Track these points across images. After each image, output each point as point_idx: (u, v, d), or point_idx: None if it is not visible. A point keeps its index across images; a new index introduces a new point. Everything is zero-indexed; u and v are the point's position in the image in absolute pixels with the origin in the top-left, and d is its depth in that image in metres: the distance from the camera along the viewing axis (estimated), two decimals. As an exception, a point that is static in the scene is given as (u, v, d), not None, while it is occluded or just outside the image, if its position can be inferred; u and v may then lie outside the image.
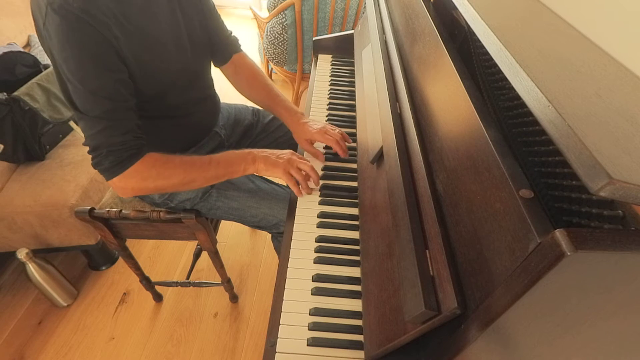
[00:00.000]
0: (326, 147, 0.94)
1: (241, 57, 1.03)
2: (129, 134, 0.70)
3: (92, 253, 1.40)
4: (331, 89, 1.15)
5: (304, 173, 0.81)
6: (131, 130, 0.70)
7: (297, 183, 0.81)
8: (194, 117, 0.92)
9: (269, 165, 0.81)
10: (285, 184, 0.85)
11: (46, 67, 1.29)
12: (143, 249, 1.54)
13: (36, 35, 1.66)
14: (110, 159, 0.69)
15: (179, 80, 0.82)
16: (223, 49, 0.98)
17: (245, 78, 1.02)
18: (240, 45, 1.03)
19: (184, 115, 0.88)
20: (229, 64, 1.01)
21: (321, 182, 0.85)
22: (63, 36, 0.61)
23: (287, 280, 0.66)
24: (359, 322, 0.61)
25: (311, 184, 0.83)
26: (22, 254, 1.14)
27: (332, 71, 1.23)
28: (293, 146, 1.02)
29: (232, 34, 1.01)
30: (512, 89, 0.53)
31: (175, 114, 0.87)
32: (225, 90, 1.13)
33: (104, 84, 0.66)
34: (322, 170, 0.88)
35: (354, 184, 0.85)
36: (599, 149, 0.26)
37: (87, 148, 0.70)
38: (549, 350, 0.38)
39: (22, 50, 1.37)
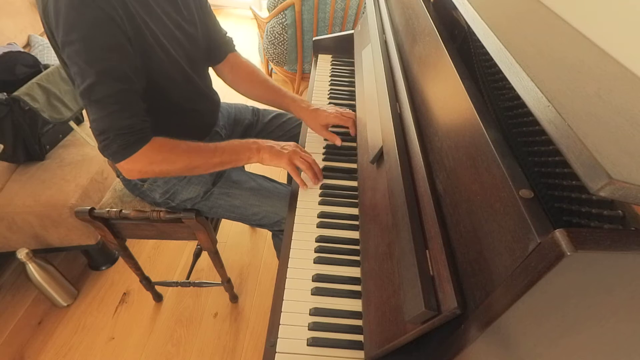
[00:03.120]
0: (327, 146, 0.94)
1: (236, 56, 1.04)
2: (136, 117, 0.70)
3: (92, 253, 1.40)
4: (331, 89, 1.15)
5: (307, 164, 0.82)
6: (138, 114, 0.71)
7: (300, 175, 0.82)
8: (195, 116, 0.92)
9: (273, 155, 0.82)
10: (286, 183, 0.86)
11: (46, 67, 1.29)
12: (143, 249, 1.54)
13: (36, 35, 1.66)
14: (118, 143, 0.69)
15: (179, 73, 0.83)
16: (219, 48, 0.99)
17: (244, 75, 1.03)
18: (234, 45, 1.04)
19: (184, 112, 0.89)
20: (224, 63, 1.02)
21: (321, 181, 0.85)
22: (71, 18, 0.61)
23: (287, 280, 0.66)
24: (359, 322, 0.61)
25: (310, 184, 0.83)
26: (22, 254, 1.14)
27: (332, 71, 1.23)
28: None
29: (227, 34, 1.02)
30: (512, 89, 0.53)
31: (176, 111, 0.87)
32: (226, 90, 1.13)
33: (111, 65, 0.66)
34: (322, 170, 0.88)
35: (354, 184, 0.85)
36: (599, 149, 0.26)
37: (90, 147, 0.70)
38: (549, 350, 0.38)
39: (22, 50, 1.37)
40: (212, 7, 0.96)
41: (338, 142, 0.92)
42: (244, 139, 0.85)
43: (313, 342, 0.58)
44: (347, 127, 0.95)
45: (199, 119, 0.95)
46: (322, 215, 0.77)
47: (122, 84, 0.67)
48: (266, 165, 0.85)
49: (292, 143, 0.85)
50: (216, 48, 0.98)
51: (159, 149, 0.74)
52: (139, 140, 0.71)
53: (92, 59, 0.64)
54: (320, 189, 0.83)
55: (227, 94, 1.07)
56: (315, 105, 0.97)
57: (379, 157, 0.69)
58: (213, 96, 1.00)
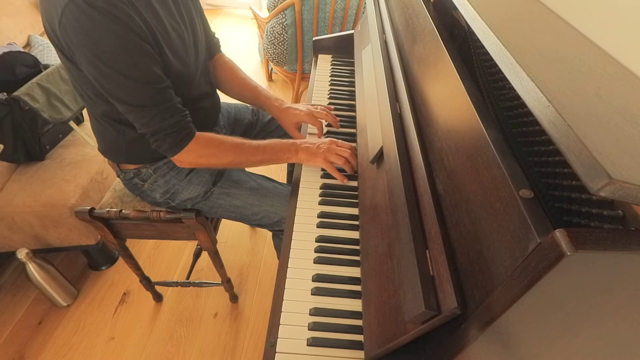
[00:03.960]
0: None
1: (221, 56, 1.06)
2: (178, 114, 0.75)
3: (92, 253, 1.40)
4: (331, 89, 1.15)
5: (344, 159, 0.84)
6: (178, 110, 0.76)
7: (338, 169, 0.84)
8: (197, 115, 0.92)
9: (310, 154, 0.85)
10: (286, 182, 0.86)
11: (46, 67, 1.29)
12: (143, 249, 1.54)
13: (36, 35, 1.66)
14: (169, 141, 0.76)
15: (186, 74, 0.84)
16: (208, 48, 1.00)
17: (224, 74, 1.05)
18: (220, 47, 1.06)
19: (191, 110, 0.89)
20: (211, 63, 1.03)
21: (321, 181, 0.85)
22: (94, 31, 0.62)
23: (287, 280, 0.66)
24: (359, 322, 0.61)
25: (346, 169, 0.84)
26: (22, 254, 1.14)
27: (332, 71, 1.23)
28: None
29: (215, 35, 1.04)
30: (512, 89, 0.53)
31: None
32: (226, 89, 1.13)
33: (141, 70, 0.68)
34: (322, 170, 0.88)
35: (354, 184, 0.85)
36: (599, 149, 0.26)
37: (90, 147, 0.71)
38: (549, 350, 0.38)
39: (22, 50, 1.37)
40: (212, 7, 0.97)
41: (318, 135, 0.95)
42: (285, 140, 0.88)
43: (313, 342, 0.58)
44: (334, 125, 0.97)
45: (202, 116, 0.95)
46: (322, 215, 0.77)
47: (154, 85, 0.71)
48: (306, 165, 0.88)
49: (327, 139, 0.87)
50: (208, 48, 1.00)
51: (207, 145, 0.81)
52: (186, 136, 0.78)
53: (124, 66, 0.66)
54: (320, 188, 0.83)
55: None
56: (287, 104, 0.99)
57: (379, 157, 0.69)
58: (214, 95, 1.00)
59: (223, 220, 1.33)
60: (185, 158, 0.80)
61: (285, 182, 1.19)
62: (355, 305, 0.63)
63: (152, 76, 0.70)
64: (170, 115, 0.74)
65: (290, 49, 1.91)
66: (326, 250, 0.71)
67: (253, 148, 0.84)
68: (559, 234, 0.27)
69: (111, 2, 0.62)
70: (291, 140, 0.88)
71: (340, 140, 0.87)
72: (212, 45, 1.02)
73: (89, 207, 0.93)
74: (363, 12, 1.87)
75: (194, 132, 0.79)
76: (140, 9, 0.68)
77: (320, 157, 0.84)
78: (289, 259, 0.70)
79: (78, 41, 0.63)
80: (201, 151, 0.80)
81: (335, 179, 0.85)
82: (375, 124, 0.74)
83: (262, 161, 0.86)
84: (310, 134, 0.99)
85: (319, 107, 0.99)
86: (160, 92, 0.72)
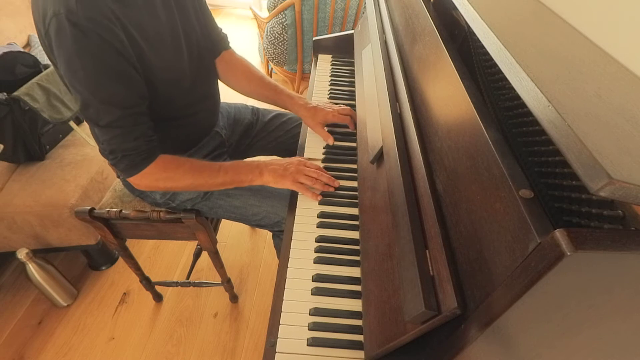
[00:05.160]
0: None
1: (231, 53, 1.02)
2: (141, 138, 0.73)
3: (92, 253, 1.40)
4: (331, 89, 1.15)
5: (313, 179, 0.81)
6: (143, 135, 0.73)
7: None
8: (196, 116, 0.92)
9: (277, 177, 0.82)
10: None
11: (46, 67, 1.29)
12: (143, 249, 1.54)
13: (36, 35, 1.66)
14: (125, 162, 0.73)
15: (182, 80, 0.83)
16: (214, 45, 0.98)
17: (241, 73, 1.03)
18: (229, 42, 1.03)
19: (186, 115, 0.89)
20: (218, 60, 1.01)
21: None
22: (71, 49, 0.61)
23: (287, 280, 0.66)
24: (359, 322, 0.61)
25: (316, 187, 0.82)
26: (22, 254, 1.14)
27: (332, 71, 1.23)
28: (293, 145, 1.01)
29: (222, 30, 1.00)
30: (512, 89, 0.53)
31: (178, 115, 0.87)
32: (225, 89, 1.13)
33: (113, 93, 0.67)
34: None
35: (354, 184, 0.85)
36: (599, 149, 0.26)
37: (90, 147, 0.71)
38: (549, 350, 0.38)
39: (22, 50, 1.37)
40: (212, 7, 0.96)
41: (331, 141, 0.94)
42: (249, 161, 0.86)
43: (313, 342, 0.58)
44: (347, 126, 0.96)
45: (200, 119, 0.95)
46: (322, 215, 0.77)
47: (126, 109, 0.69)
48: (272, 186, 0.85)
49: (295, 159, 0.85)
50: (212, 45, 0.98)
51: (164, 168, 0.78)
52: (145, 159, 0.75)
53: (95, 88, 0.65)
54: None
55: (226, 94, 1.07)
56: (313, 103, 0.98)
57: (379, 157, 0.69)
58: (215, 96, 1.00)
59: (223, 220, 1.32)
60: (141, 181, 0.78)
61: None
62: (355, 305, 0.63)
63: (124, 100, 0.68)
64: (134, 139, 0.71)
65: (290, 49, 1.92)
66: (326, 250, 0.71)
67: (214, 170, 0.82)
68: (559, 234, 0.27)
69: (96, 20, 0.61)
70: (255, 162, 0.85)
71: (307, 160, 0.85)
72: (218, 42, 0.98)
73: (89, 207, 0.93)
74: (363, 12, 1.87)
75: (155, 156, 0.76)
76: (126, 23, 0.66)
77: (288, 179, 0.81)
78: (289, 259, 0.70)
79: (58, 53, 0.62)
80: (158, 175, 0.77)
81: (334, 179, 0.85)
82: (375, 123, 0.74)
83: (224, 184, 0.83)
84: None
85: (341, 105, 0.98)
86: (129, 116, 0.70)
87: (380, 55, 0.83)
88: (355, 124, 0.94)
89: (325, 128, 0.96)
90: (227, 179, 0.83)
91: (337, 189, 0.83)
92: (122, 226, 0.99)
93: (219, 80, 1.03)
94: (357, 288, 0.66)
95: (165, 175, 0.78)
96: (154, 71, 0.74)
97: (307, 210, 0.79)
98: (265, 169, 0.83)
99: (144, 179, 0.77)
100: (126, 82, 0.68)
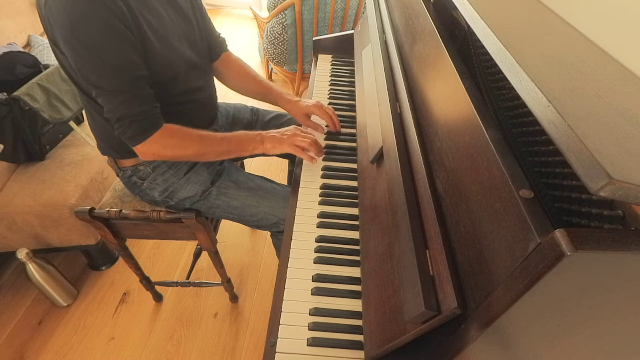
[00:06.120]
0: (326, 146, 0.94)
1: (228, 55, 1.07)
2: (148, 103, 0.75)
3: (92, 253, 1.40)
4: (331, 89, 1.15)
5: (309, 141, 0.85)
6: (149, 100, 0.75)
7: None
8: (192, 104, 0.92)
9: (275, 142, 0.86)
10: (286, 184, 0.86)
11: (46, 67, 1.29)
12: (143, 249, 1.54)
13: (36, 35, 1.66)
14: (134, 128, 0.74)
15: (174, 59, 0.84)
16: (213, 48, 1.01)
17: (235, 72, 1.06)
18: (227, 45, 1.07)
19: (176, 103, 0.89)
20: (218, 62, 1.04)
21: (321, 181, 0.85)
22: (74, 12, 0.63)
23: (287, 280, 0.66)
24: (359, 322, 0.61)
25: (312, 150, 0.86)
26: (22, 254, 1.14)
27: (332, 71, 1.23)
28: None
29: (220, 34, 1.04)
30: (512, 89, 0.53)
31: (169, 102, 0.87)
32: (225, 89, 1.13)
33: (117, 55, 0.68)
34: (322, 170, 0.88)
35: (354, 184, 0.85)
36: (599, 149, 0.26)
37: (90, 147, 0.71)
38: (549, 350, 0.38)
39: (22, 50, 1.37)
40: (212, 8, 0.98)
41: (320, 130, 0.98)
42: (250, 131, 0.89)
43: (313, 342, 0.58)
44: (338, 129, 0.98)
45: (199, 106, 0.95)
46: (322, 215, 0.77)
47: (130, 72, 0.71)
48: (271, 154, 0.89)
49: (292, 127, 0.89)
50: (211, 49, 1.01)
51: (171, 134, 0.80)
52: (152, 125, 0.76)
53: (99, 50, 0.66)
54: (320, 188, 0.83)
55: (226, 94, 1.07)
56: (298, 98, 1.02)
57: (379, 157, 0.69)
58: (207, 90, 1.00)
59: (223, 220, 1.32)
60: (148, 149, 0.78)
61: (285, 182, 1.19)
62: (355, 305, 0.63)
63: (128, 62, 0.70)
64: (140, 104, 0.73)
65: (290, 49, 1.92)
66: (326, 250, 0.71)
67: (218, 139, 0.85)
68: (559, 234, 0.27)
69: None
70: (257, 132, 0.88)
71: (302, 128, 0.89)
72: (217, 45, 1.02)
73: (89, 207, 0.93)
74: (363, 12, 1.87)
75: (161, 123, 0.78)
76: (132, 5, 0.68)
77: (286, 143, 0.85)
78: (289, 259, 0.70)
79: (59, 20, 0.64)
80: (165, 141, 0.79)
81: (334, 178, 0.86)
82: (375, 123, 0.74)
83: (228, 152, 0.86)
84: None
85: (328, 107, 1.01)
86: (134, 80, 0.71)
87: (380, 55, 0.83)
88: (334, 125, 0.97)
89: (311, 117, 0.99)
90: (231, 147, 0.85)
91: (337, 188, 0.83)
92: (122, 226, 0.99)
93: (217, 80, 1.06)
94: (357, 288, 0.66)
95: (172, 141, 0.80)
96: (150, 50, 0.75)
97: (307, 210, 0.79)
98: (265, 136, 0.87)
99: (152, 146, 0.78)
100: (130, 46, 0.70)
